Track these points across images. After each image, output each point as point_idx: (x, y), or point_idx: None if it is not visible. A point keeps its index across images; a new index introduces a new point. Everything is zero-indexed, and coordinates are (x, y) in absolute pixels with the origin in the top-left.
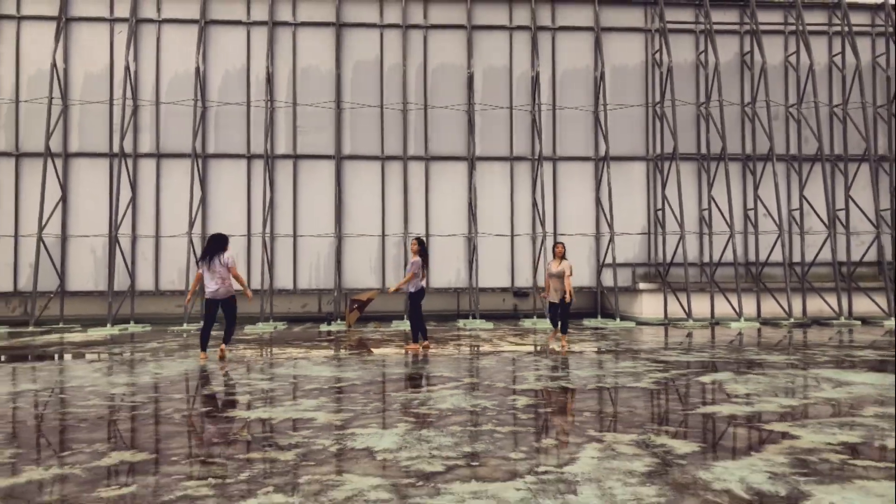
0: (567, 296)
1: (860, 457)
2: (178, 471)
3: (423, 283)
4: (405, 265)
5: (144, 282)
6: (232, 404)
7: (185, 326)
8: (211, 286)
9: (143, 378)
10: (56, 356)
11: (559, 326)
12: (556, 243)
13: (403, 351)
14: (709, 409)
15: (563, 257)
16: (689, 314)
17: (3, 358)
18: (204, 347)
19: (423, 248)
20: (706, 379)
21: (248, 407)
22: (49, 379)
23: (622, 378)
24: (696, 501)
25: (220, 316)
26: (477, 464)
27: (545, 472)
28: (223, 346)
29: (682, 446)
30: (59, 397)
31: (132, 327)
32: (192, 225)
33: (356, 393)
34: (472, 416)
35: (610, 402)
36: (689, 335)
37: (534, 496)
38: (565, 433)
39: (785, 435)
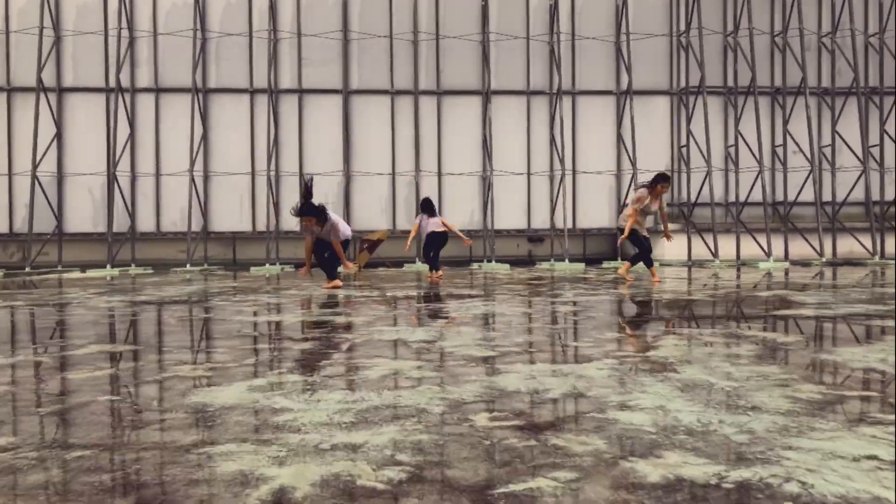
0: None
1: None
2: (233, 313)
3: (430, 228)
4: (417, 206)
5: (145, 223)
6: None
7: (188, 267)
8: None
9: (182, 290)
10: (67, 286)
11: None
12: (663, 178)
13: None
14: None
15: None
16: (715, 254)
17: (12, 288)
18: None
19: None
20: (736, 282)
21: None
22: (79, 298)
23: (650, 290)
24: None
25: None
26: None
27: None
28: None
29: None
30: (101, 305)
31: (133, 269)
32: (192, 163)
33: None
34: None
35: (642, 289)
36: (715, 275)
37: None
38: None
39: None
